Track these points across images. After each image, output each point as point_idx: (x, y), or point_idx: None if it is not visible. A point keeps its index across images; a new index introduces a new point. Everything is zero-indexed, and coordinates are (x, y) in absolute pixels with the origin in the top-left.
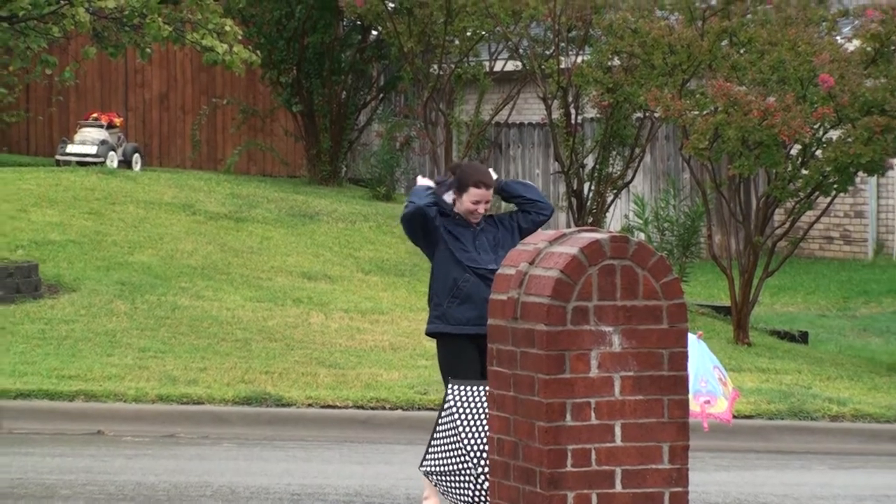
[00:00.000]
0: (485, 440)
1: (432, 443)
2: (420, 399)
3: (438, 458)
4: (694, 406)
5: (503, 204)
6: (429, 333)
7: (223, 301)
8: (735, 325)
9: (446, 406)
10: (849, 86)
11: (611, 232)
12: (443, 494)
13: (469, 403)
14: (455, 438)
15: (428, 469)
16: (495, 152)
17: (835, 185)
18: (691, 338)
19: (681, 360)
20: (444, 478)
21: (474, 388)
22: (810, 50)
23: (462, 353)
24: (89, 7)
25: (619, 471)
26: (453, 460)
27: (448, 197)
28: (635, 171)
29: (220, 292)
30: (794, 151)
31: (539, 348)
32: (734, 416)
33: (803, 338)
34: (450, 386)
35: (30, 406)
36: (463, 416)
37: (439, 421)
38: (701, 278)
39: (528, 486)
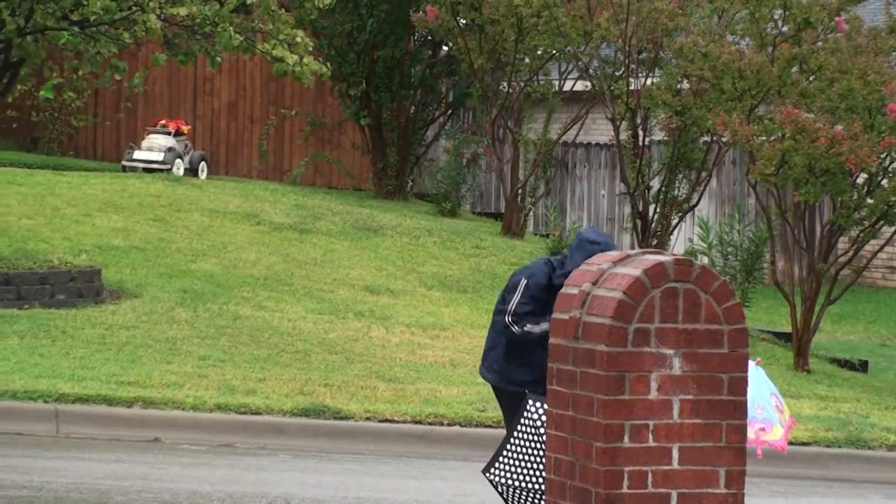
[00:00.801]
0: None
1: (504, 453)
2: (478, 416)
3: (510, 471)
4: (749, 433)
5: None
6: None
7: (284, 312)
8: (795, 351)
9: (526, 421)
10: None
11: (675, 255)
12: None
13: None
14: (532, 454)
15: (496, 479)
16: (562, 172)
17: None
18: (750, 364)
19: (740, 385)
20: (514, 492)
21: None
22: (879, 79)
23: None
24: (161, 14)
25: (675, 494)
26: (527, 476)
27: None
28: (701, 195)
29: (281, 303)
30: (860, 180)
31: (599, 369)
32: (790, 443)
33: (863, 366)
34: (531, 401)
35: (87, 411)
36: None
37: (516, 434)
38: (763, 304)
39: None
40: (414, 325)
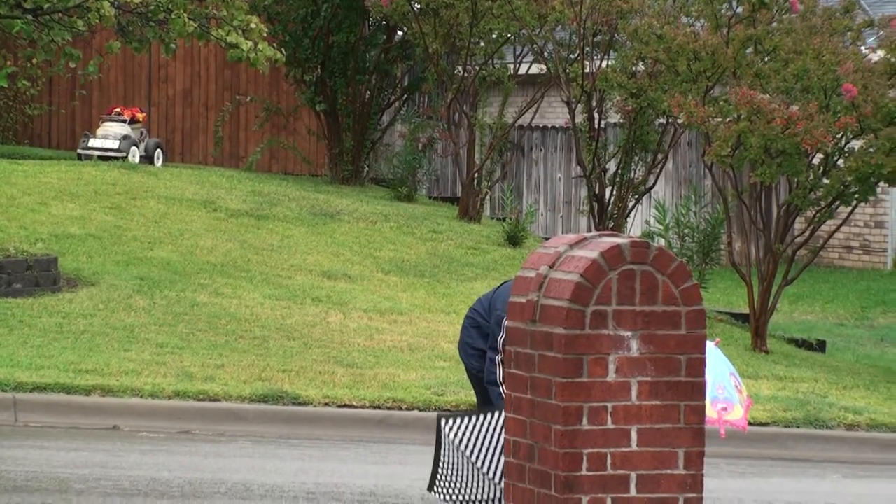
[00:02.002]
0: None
1: (439, 470)
2: (437, 400)
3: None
4: (711, 413)
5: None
6: None
7: (242, 298)
8: (753, 332)
9: (445, 442)
10: (872, 96)
11: (631, 237)
12: None
13: (473, 435)
14: (463, 471)
15: (444, 495)
16: (518, 155)
17: (856, 195)
18: (709, 344)
19: (698, 366)
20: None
21: (467, 419)
22: (834, 59)
23: None
24: (114, 1)
25: (634, 475)
26: (475, 490)
27: None
28: (657, 177)
29: (239, 290)
30: (816, 160)
31: (557, 352)
32: (749, 424)
33: (821, 346)
34: (442, 421)
35: (46, 399)
36: (472, 448)
37: (441, 457)
38: (720, 285)
39: (542, 489)
40: (371, 309)
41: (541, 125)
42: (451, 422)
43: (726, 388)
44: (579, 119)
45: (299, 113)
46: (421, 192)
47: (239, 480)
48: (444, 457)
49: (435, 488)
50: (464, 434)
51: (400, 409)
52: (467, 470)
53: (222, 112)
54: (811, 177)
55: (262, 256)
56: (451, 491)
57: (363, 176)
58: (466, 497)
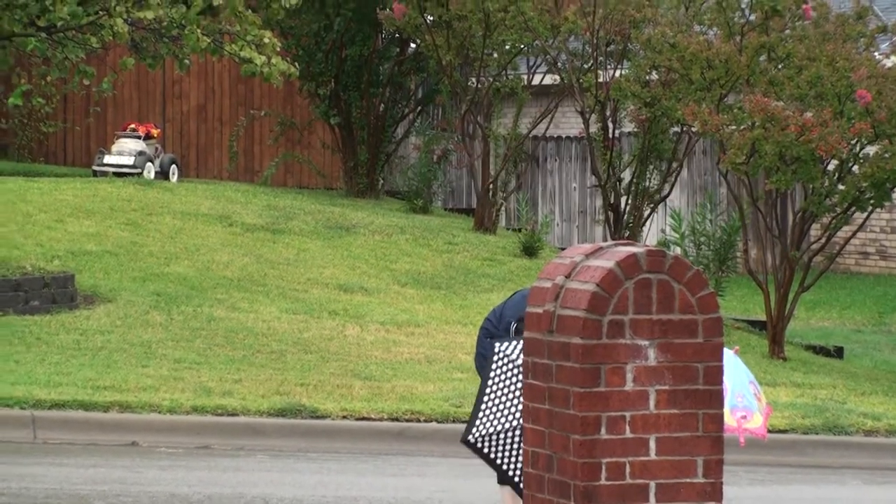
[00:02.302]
0: None
1: (482, 409)
2: (455, 412)
3: (492, 420)
4: (731, 421)
5: None
6: None
7: (259, 313)
8: (770, 339)
9: (498, 361)
10: (886, 102)
11: (647, 246)
12: (489, 460)
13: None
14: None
15: (475, 437)
16: (533, 166)
17: (871, 201)
18: (728, 353)
19: (716, 375)
20: (498, 438)
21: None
22: (848, 66)
23: None
24: (128, 18)
25: (653, 484)
26: (511, 415)
27: None
28: (672, 186)
29: (255, 304)
30: (831, 167)
31: (574, 361)
32: (768, 431)
33: (838, 353)
34: (497, 344)
35: (64, 416)
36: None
37: (490, 381)
38: (737, 293)
39: (562, 499)
40: (388, 322)
41: (555, 135)
42: (505, 343)
43: (745, 397)
44: (593, 129)
45: (314, 127)
46: (436, 203)
47: (258, 494)
48: (491, 383)
49: (472, 432)
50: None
51: (418, 421)
52: (513, 392)
53: (237, 127)
54: (826, 183)
55: (279, 270)
56: (488, 425)
57: (378, 189)
58: (504, 424)
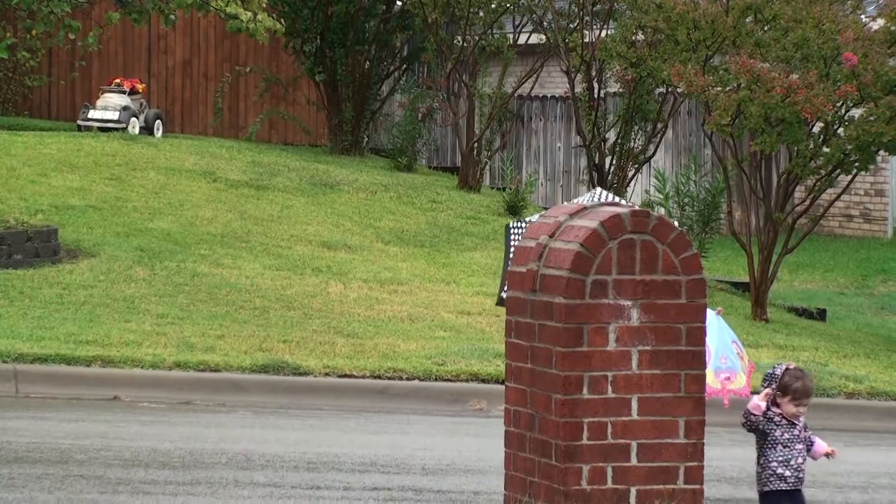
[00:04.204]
0: None
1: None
2: (437, 370)
3: None
4: (715, 383)
5: None
6: None
7: (242, 269)
8: (753, 301)
9: (514, 235)
10: (872, 64)
11: (631, 206)
12: None
13: None
14: None
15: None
16: (518, 125)
17: (856, 164)
18: (710, 314)
19: (699, 336)
20: None
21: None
22: (834, 28)
23: None
24: None
25: (634, 444)
26: None
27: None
28: (657, 146)
29: (239, 260)
30: (816, 129)
31: (557, 321)
32: (751, 392)
33: (821, 315)
34: (509, 224)
35: (47, 371)
36: None
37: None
38: (720, 254)
39: (543, 458)
40: (371, 279)
41: (540, 95)
42: (517, 221)
43: (729, 358)
44: (579, 89)
45: (299, 83)
46: (420, 162)
47: (240, 451)
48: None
49: (504, 289)
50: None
51: (400, 378)
52: None
53: (222, 83)
54: (811, 145)
55: (262, 227)
56: None
57: (363, 146)
58: None
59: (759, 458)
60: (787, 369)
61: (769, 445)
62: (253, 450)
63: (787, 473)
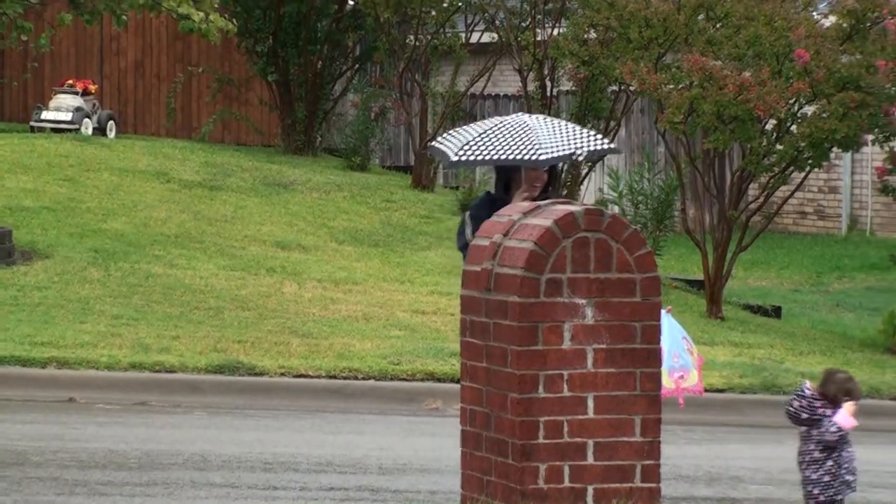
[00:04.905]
0: None
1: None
2: (392, 369)
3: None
4: (669, 383)
5: None
6: None
7: (197, 269)
8: (708, 299)
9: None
10: (824, 61)
11: (585, 205)
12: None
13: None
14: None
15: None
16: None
17: (809, 161)
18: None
19: (654, 334)
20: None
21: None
22: (786, 25)
23: None
24: None
25: (591, 443)
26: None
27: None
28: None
29: (193, 261)
30: (769, 126)
31: (512, 320)
32: (706, 390)
33: (776, 312)
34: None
35: (2, 372)
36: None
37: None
38: (674, 252)
39: (500, 457)
40: (326, 279)
41: (493, 94)
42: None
43: (681, 356)
44: (531, 87)
45: (251, 83)
46: (374, 161)
47: (196, 451)
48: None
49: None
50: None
51: (356, 378)
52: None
53: (174, 83)
54: (764, 143)
55: (216, 227)
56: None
57: (316, 146)
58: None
59: (824, 469)
60: (840, 375)
61: (840, 453)
62: (209, 450)
63: (851, 478)
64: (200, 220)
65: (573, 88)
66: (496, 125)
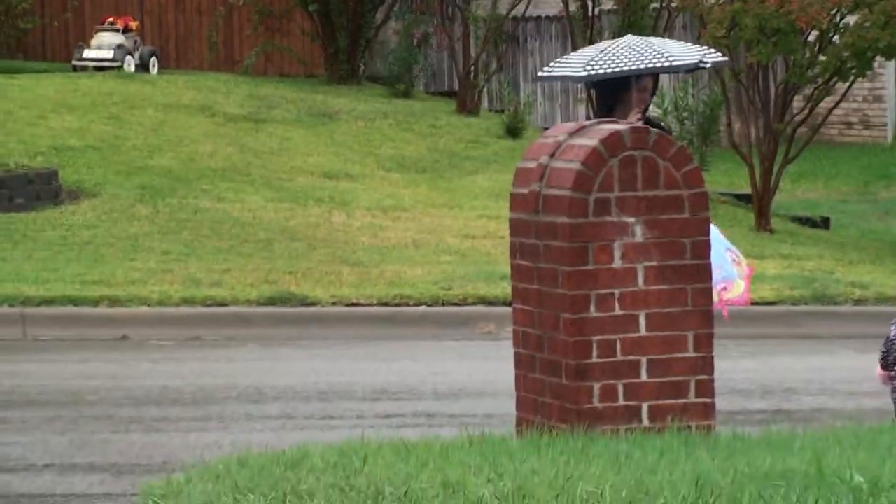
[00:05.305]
0: None
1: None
2: (444, 295)
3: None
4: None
5: None
6: None
7: (245, 202)
8: (756, 212)
9: None
10: None
11: (630, 123)
12: None
13: None
14: None
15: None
16: (513, 46)
17: (853, 70)
18: None
19: (703, 249)
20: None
21: None
22: None
23: None
24: None
25: (644, 360)
26: None
27: None
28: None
29: (241, 193)
30: (811, 38)
31: (562, 241)
32: (756, 303)
33: (825, 223)
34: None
35: (53, 313)
36: None
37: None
38: (721, 167)
39: (553, 377)
40: (374, 207)
41: (535, 15)
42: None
43: (723, 267)
44: (573, 7)
45: (292, 14)
46: (418, 87)
47: (250, 384)
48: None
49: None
50: None
51: (408, 305)
52: None
53: (215, 17)
54: (807, 54)
55: (263, 160)
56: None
57: (360, 74)
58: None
59: None
60: None
61: None
62: (264, 382)
63: None
64: (246, 152)
65: (615, 7)
66: (611, 44)
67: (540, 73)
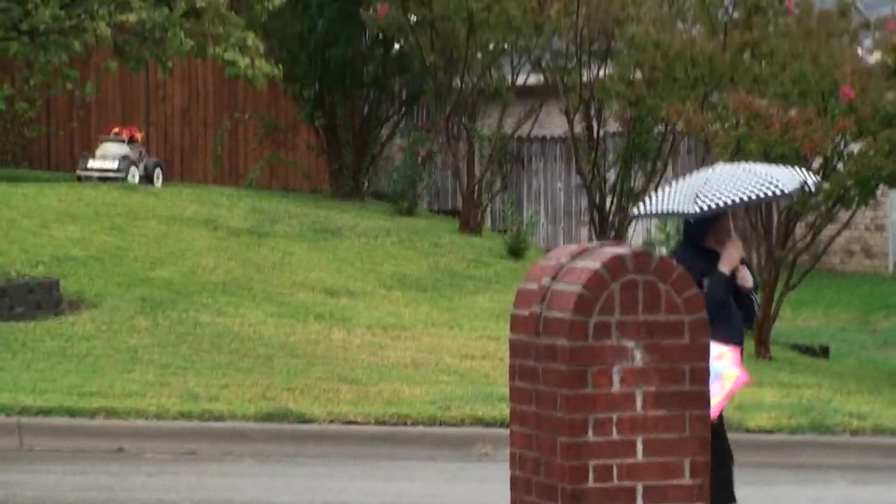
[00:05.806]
0: None
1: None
2: (442, 415)
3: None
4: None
5: None
6: None
7: (245, 317)
8: (756, 339)
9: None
10: (870, 98)
11: (633, 246)
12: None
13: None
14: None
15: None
16: (518, 166)
17: (856, 198)
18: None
19: (702, 375)
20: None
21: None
22: (832, 63)
23: None
24: (110, 21)
25: (640, 486)
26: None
27: None
28: (657, 185)
29: (241, 308)
30: (815, 164)
31: (561, 363)
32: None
33: (824, 352)
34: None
35: (50, 423)
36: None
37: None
38: None
39: (549, 502)
40: (375, 325)
41: (540, 136)
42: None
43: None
44: (578, 129)
45: (298, 129)
46: (421, 205)
47: (247, 500)
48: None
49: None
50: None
51: (405, 424)
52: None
53: (221, 130)
54: None
55: (264, 274)
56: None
57: (364, 191)
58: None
59: None
60: None
61: None
62: (260, 499)
63: None
64: (248, 267)
65: (620, 129)
66: (709, 175)
67: (636, 211)
